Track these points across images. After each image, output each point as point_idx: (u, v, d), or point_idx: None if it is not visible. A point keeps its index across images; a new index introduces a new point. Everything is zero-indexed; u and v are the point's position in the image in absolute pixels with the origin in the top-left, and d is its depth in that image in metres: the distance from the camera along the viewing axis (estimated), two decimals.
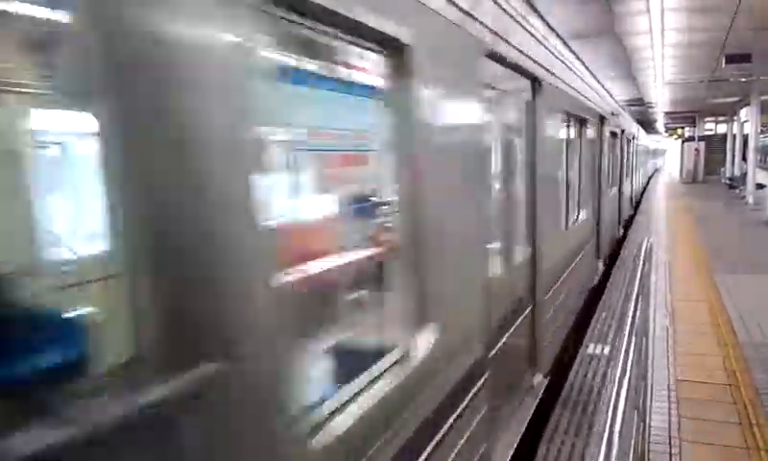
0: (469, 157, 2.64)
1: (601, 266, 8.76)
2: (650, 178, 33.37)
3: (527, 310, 4.01)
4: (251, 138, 1.25)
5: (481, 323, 2.81)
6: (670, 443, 3.86)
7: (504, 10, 3.20)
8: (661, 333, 6.03)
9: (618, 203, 12.00)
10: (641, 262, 4.22)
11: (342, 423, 1.65)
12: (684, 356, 5.39)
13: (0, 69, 1.61)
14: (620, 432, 2.02)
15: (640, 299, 3.58)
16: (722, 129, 32.90)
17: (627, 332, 2.79)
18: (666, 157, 53.22)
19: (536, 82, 4.04)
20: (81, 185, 2.08)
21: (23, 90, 1.72)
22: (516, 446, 3.45)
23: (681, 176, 33.19)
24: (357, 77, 2.84)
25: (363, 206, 3.59)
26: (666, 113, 29.20)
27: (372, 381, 1.90)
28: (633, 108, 23.62)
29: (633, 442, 2.88)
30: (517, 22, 3.51)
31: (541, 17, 4.36)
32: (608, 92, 9.91)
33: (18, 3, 1.31)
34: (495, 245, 3.42)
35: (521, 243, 4.02)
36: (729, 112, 27.23)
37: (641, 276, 3.95)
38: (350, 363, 2.10)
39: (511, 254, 3.82)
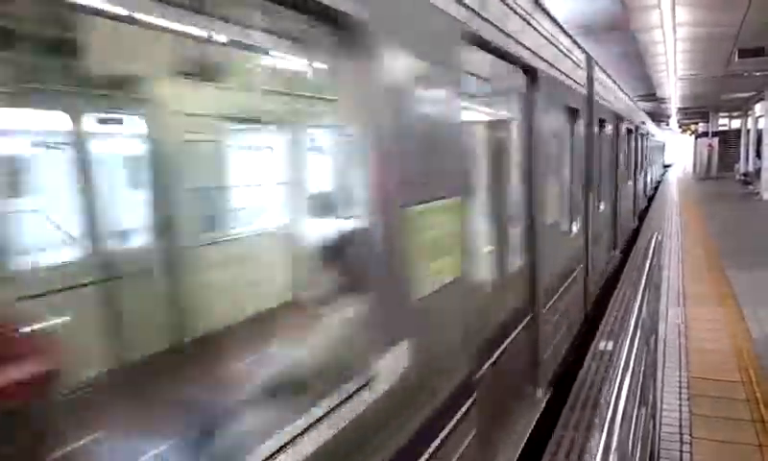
0: None
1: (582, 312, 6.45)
2: (659, 182, 28.92)
3: None
4: None
5: None
6: (681, 439, 3.84)
7: None
8: (673, 330, 5.98)
9: (614, 217, 9.46)
10: (650, 259, 4.19)
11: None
12: (697, 353, 5.35)
13: None
14: (631, 429, 2.02)
15: (650, 296, 3.57)
16: (736, 124, 32.50)
17: (634, 329, 2.79)
18: (667, 151, 45.57)
19: None
20: None
21: None
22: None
23: (694, 172, 32.91)
24: None
25: None
26: (679, 109, 28.90)
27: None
28: (646, 103, 23.43)
29: (643, 438, 2.87)
30: None
31: None
32: (600, 66, 7.17)
33: None
34: None
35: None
36: (742, 108, 26.89)
37: (650, 271, 3.92)
38: None
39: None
